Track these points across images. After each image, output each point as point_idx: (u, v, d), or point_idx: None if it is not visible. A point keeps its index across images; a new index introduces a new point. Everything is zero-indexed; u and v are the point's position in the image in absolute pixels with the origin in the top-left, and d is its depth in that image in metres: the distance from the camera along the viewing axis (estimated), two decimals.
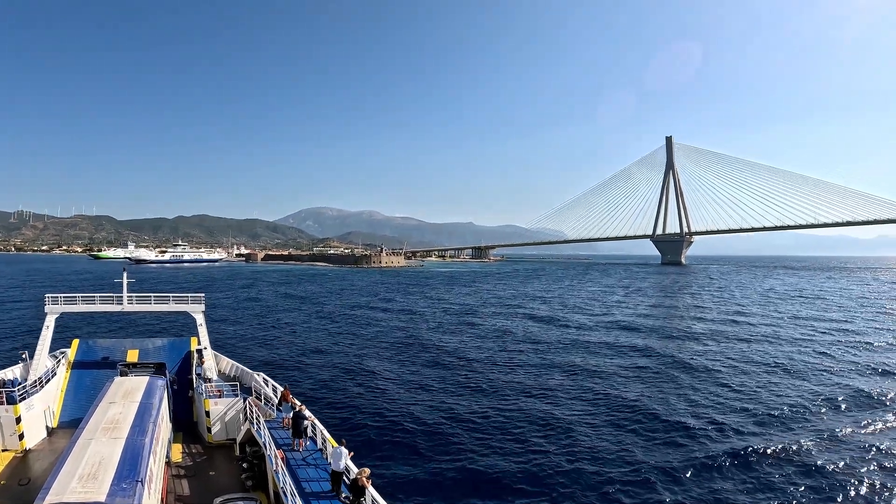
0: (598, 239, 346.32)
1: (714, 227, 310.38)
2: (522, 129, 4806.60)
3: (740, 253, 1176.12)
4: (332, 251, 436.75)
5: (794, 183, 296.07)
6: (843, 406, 35.70)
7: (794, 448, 27.65)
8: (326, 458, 20.05)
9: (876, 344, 59.53)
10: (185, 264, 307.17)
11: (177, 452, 24.68)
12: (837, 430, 30.63)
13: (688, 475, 24.56)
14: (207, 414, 25.78)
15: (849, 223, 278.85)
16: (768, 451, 27.30)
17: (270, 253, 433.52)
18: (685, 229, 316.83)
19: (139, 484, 14.67)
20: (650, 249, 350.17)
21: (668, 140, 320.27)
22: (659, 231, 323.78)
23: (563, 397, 36.93)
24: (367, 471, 17.09)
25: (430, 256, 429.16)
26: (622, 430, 30.54)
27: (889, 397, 37.89)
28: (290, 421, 21.92)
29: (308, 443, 21.64)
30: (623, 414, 33.48)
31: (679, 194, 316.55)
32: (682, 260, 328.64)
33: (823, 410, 34.62)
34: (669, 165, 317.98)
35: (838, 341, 60.57)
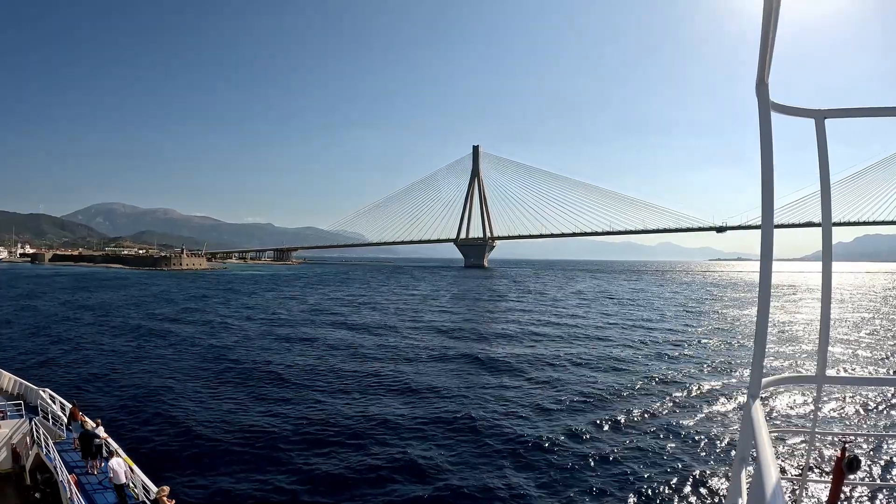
0: (403, 242, 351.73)
1: (516, 233, 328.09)
2: (323, 129, 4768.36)
3: (537, 256, 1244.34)
4: (125, 251, 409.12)
5: (588, 193, 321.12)
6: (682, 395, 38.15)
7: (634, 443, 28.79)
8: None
9: (690, 335, 66.57)
10: None
11: None
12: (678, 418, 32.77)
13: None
14: None
15: (640, 231, 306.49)
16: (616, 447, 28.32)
17: (59, 253, 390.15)
18: (488, 234, 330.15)
19: None
20: (450, 253, 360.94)
21: (475, 149, 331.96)
22: (463, 235, 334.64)
23: (393, 413, 35.85)
24: (167, 489, 16.48)
25: (231, 258, 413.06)
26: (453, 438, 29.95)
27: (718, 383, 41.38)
28: (76, 441, 20.62)
29: (103, 464, 19.98)
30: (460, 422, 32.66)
31: (483, 200, 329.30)
32: (485, 263, 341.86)
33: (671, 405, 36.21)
34: (475, 173, 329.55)
35: (657, 335, 65.94)
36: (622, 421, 32.30)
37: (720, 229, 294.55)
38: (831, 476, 4.20)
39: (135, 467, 19.15)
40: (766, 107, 4.24)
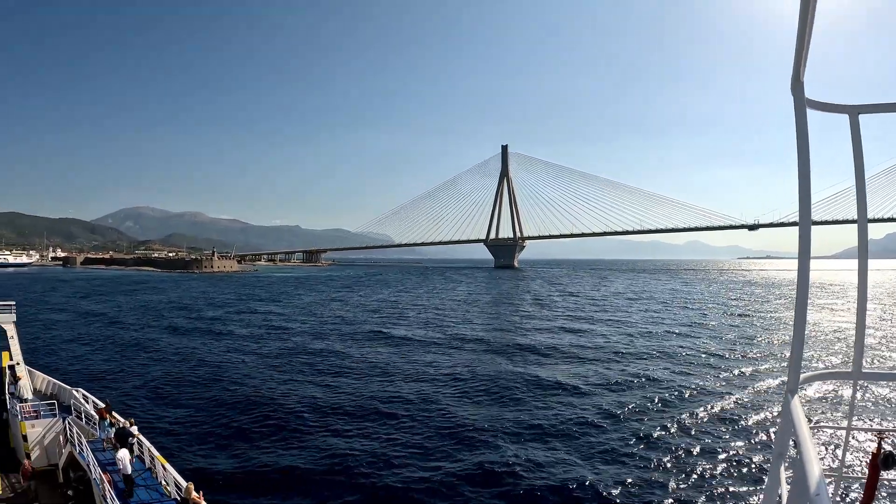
0: (433, 243, 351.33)
1: (545, 233, 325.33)
2: (347, 130, 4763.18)
3: (564, 256, 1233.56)
4: (156, 255, 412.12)
5: (616, 191, 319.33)
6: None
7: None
8: (156, 478, 19.52)
9: (732, 333, 67.59)
10: None
11: None
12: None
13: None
14: (25, 438, 23.39)
15: (672, 230, 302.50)
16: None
17: (91, 256, 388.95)
18: (518, 234, 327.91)
19: None
20: (477, 253, 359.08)
21: (504, 148, 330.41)
22: (492, 236, 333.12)
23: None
24: (192, 485, 17.11)
25: (261, 260, 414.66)
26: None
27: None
28: (112, 440, 21.10)
29: (135, 462, 20.31)
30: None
31: (513, 200, 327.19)
32: (515, 263, 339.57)
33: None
34: (504, 173, 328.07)
35: (702, 334, 66.59)
36: (665, 415, 33.47)
37: (753, 227, 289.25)
38: (867, 472, 4.20)
39: (167, 465, 19.52)
40: (801, 105, 4.22)
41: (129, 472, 18.60)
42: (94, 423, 23.65)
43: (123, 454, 18.84)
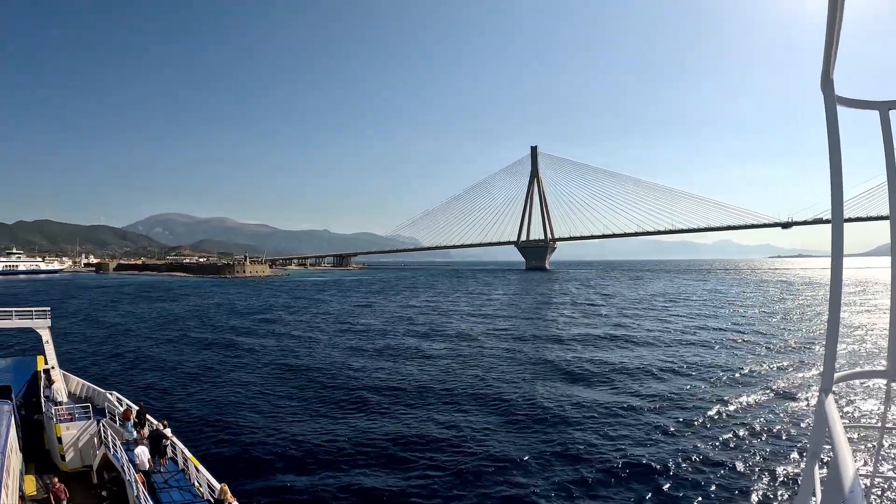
0: (464, 245, 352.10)
1: (576, 233, 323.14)
2: (377, 134, 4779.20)
3: (592, 257, 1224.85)
4: (187, 260, 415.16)
5: (646, 190, 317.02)
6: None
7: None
8: (189, 479, 19.85)
9: (768, 333, 68.23)
10: (21, 276, 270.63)
11: (30, 485, 22.52)
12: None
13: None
14: (59, 440, 24.07)
15: (704, 229, 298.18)
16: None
17: (123, 262, 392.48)
18: (549, 235, 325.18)
19: None
20: (506, 255, 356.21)
21: (534, 150, 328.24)
22: (523, 237, 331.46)
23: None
24: (226, 486, 17.21)
25: (291, 265, 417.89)
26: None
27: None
28: (143, 441, 21.42)
29: (168, 463, 21.08)
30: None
31: (543, 202, 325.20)
32: (547, 265, 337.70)
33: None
34: (534, 174, 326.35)
35: (741, 335, 66.94)
36: (699, 417, 33.61)
37: (786, 225, 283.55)
38: None
39: (200, 467, 19.72)
40: (832, 102, 4.17)
41: (146, 467, 19.56)
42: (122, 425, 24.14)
43: (141, 450, 19.93)
